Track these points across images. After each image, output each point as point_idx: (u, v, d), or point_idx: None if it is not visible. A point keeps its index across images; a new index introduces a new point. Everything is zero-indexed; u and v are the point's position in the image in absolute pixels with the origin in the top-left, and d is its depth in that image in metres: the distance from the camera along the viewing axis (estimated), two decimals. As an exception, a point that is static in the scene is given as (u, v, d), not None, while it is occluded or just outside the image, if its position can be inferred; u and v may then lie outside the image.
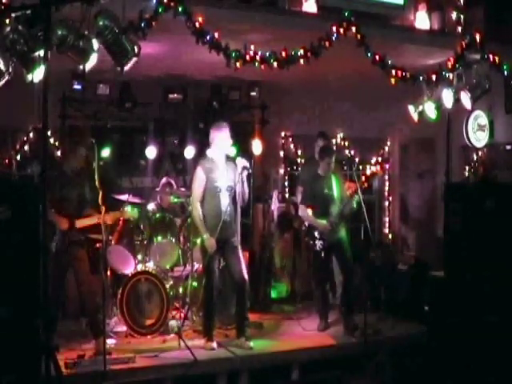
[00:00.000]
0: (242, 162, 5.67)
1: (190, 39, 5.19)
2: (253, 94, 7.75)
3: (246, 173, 5.70)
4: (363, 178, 6.65)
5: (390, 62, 6.11)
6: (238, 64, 5.44)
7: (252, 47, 5.53)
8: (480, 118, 7.01)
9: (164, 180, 7.04)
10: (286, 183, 8.78)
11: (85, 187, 5.48)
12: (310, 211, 6.40)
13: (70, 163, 5.52)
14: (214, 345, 5.72)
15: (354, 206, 6.25)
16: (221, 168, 5.77)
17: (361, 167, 9.15)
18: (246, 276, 5.79)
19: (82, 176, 5.51)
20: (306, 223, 6.56)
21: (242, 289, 5.79)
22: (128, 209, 6.13)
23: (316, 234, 6.33)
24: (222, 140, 5.76)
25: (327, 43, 5.75)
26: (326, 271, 6.57)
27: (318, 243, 6.30)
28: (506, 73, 6.83)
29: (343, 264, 6.44)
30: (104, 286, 5.38)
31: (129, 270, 6.36)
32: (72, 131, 6.41)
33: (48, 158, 4.37)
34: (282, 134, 8.71)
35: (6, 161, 7.04)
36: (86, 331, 5.65)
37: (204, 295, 5.86)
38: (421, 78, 6.42)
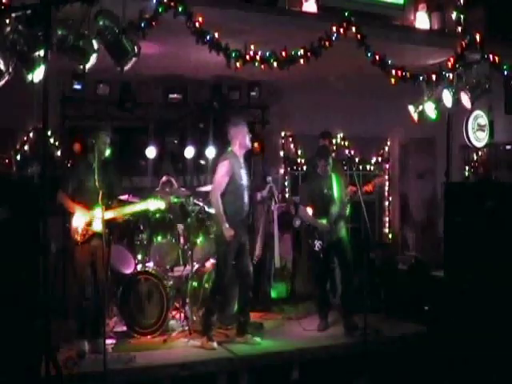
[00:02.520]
0: (270, 186, 6.00)
1: (190, 39, 5.19)
2: (253, 94, 7.75)
3: (272, 200, 5.96)
4: (370, 187, 6.63)
5: (389, 61, 6.11)
6: (237, 64, 5.44)
7: (252, 47, 5.53)
8: (480, 118, 7.01)
9: (164, 178, 7.03)
10: (286, 183, 8.78)
11: (111, 179, 5.56)
12: (310, 210, 6.40)
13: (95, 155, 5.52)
14: (215, 344, 5.72)
15: (347, 210, 6.30)
16: (243, 165, 5.83)
17: (361, 167, 9.16)
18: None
19: (108, 168, 5.59)
20: (307, 223, 6.56)
21: (248, 285, 5.87)
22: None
23: (315, 233, 6.33)
24: (241, 136, 5.81)
25: (327, 43, 5.75)
26: (325, 271, 6.57)
27: (317, 243, 6.30)
28: (506, 73, 6.83)
29: (343, 264, 6.44)
30: (104, 285, 5.39)
31: (129, 270, 6.36)
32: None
33: (48, 158, 4.38)
34: (282, 133, 8.71)
35: (6, 161, 7.04)
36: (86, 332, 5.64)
37: (212, 291, 5.87)
38: (421, 78, 6.42)
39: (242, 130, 5.82)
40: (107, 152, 5.59)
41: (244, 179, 5.77)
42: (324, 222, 6.29)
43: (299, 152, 8.75)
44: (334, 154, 6.79)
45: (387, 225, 9.48)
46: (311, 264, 6.84)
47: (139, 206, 5.78)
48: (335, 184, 6.37)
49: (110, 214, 5.41)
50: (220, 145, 7.95)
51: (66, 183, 5.58)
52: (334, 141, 8.15)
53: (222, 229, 5.62)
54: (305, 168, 8.45)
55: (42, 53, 4.40)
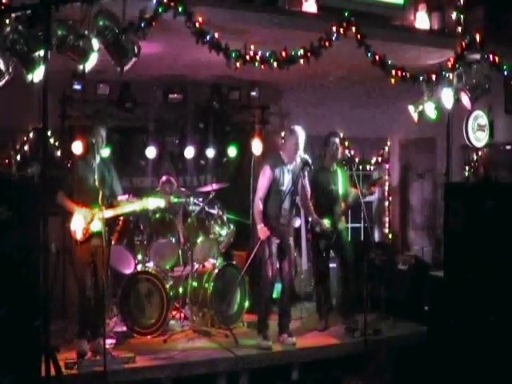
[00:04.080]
0: (303, 158, 5.76)
1: (190, 39, 5.19)
2: (253, 94, 7.76)
3: (307, 169, 5.80)
4: (372, 189, 6.59)
5: (390, 61, 6.10)
6: (237, 64, 5.44)
7: (252, 47, 5.53)
8: (480, 118, 7.01)
9: (164, 178, 7.03)
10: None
11: (111, 178, 5.62)
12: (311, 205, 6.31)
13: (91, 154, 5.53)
14: (270, 343, 5.77)
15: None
16: (288, 171, 5.85)
17: (361, 167, 9.15)
18: (293, 274, 6.02)
19: (107, 168, 5.63)
20: (309, 218, 6.46)
21: (288, 287, 5.94)
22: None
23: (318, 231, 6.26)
24: (292, 146, 5.83)
25: (327, 43, 5.74)
26: (326, 270, 6.54)
27: (322, 242, 6.25)
28: (506, 73, 6.82)
29: (344, 264, 6.41)
30: (104, 285, 5.40)
31: (129, 270, 6.36)
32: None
33: (48, 158, 4.38)
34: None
35: (6, 161, 7.04)
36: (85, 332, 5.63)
37: (262, 291, 5.93)
38: (421, 78, 6.42)
39: (293, 140, 5.82)
40: (105, 149, 5.60)
41: (285, 185, 5.81)
42: (327, 222, 6.25)
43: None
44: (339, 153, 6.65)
45: (387, 225, 9.48)
46: (312, 263, 6.77)
47: (139, 205, 5.81)
48: (341, 180, 6.29)
49: (110, 213, 5.42)
50: (220, 145, 7.99)
51: (66, 183, 5.59)
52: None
53: (258, 229, 5.75)
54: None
55: (42, 53, 4.39)
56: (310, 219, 6.34)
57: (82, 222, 5.43)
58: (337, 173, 6.34)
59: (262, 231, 5.72)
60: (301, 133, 5.84)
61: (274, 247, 5.81)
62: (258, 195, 5.86)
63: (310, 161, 5.78)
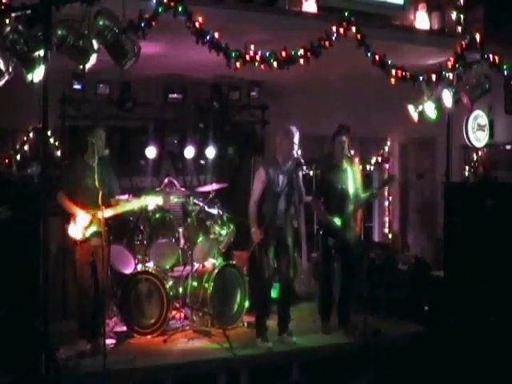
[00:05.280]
0: (296, 158, 5.73)
1: (190, 39, 5.19)
2: (253, 94, 7.76)
3: (300, 169, 5.78)
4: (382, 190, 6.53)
5: (389, 61, 6.11)
6: (237, 64, 5.44)
7: (252, 47, 5.53)
8: (480, 118, 7.01)
9: (166, 180, 7.03)
10: (286, 183, 8.75)
11: (109, 178, 5.61)
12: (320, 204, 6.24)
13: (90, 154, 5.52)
14: (271, 344, 5.75)
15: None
16: (282, 172, 5.81)
17: (361, 167, 9.14)
18: (292, 275, 5.93)
19: (106, 167, 5.62)
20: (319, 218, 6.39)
21: (286, 287, 5.90)
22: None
23: (329, 230, 6.19)
24: (287, 145, 5.78)
25: (327, 43, 5.75)
26: (333, 270, 6.48)
27: (331, 240, 6.18)
28: (506, 73, 6.83)
29: (348, 264, 6.35)
30: (104, 285, 5.40)
31: (129, 270, 6.36)
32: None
33: (48, 158, 4.38)
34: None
35: (6, 161, 7.04)
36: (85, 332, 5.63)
37: (258, 292, 5.93)
38: (421, 78, 6.42)
39: (288, 139, 5.78)
40: (105, 149, 5.61)
41: (280, 186, 5.76)
42: (338, 221, 6.13)
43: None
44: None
45: (387, 225, 9.48)
46: (319, 261, 6.68)
47: (138, 203, 5.80)
48: (351, 179, 6.22)
49: (109, 212, 5.42)
50: (220, 145, 7.99)
51: (66, 183, 5.60)
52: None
53: (252, 232, 5.74)
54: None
55: (42, 53, 4.40)
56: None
57: (82, 223, 5.44)
58: (347, 171, 6.24)
59: (256, 234, 5.69)
60: (295, 132, 5.80)
61: (270, 249, 5.77)
62: (252, 198, 5.83)
63: (302, 160, 5.74)
